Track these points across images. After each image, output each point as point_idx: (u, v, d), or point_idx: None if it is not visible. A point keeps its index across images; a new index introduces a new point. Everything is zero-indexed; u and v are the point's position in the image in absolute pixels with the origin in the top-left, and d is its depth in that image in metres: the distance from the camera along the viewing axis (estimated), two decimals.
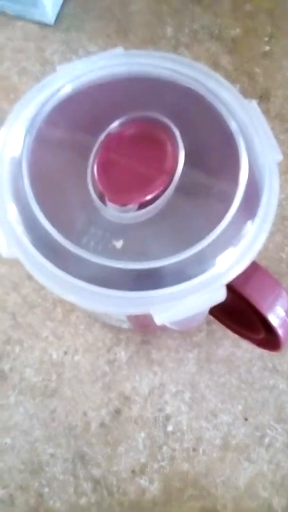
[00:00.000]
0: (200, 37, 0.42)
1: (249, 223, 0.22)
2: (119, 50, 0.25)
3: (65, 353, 0.33)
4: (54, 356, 0.33)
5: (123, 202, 0.22)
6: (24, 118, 0.23)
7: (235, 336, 0.33)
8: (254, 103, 0.24)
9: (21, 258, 0.21)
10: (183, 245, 0.21)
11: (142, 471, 0.31)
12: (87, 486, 0.31)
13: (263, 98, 0.39)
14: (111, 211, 0.22)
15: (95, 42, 0.42)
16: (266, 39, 0.42)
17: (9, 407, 0.32)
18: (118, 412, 0.32)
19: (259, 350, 0.34)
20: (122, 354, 0.33)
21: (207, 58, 0.42)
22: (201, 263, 0.21)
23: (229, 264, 0.22)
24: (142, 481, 0.31)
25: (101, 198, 0.22)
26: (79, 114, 0.24)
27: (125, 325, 0.30)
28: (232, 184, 0.22)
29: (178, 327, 0.24)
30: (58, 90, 0.24)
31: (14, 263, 0.34)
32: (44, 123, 0.23)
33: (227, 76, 0.38)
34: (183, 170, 0.22)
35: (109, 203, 0.22)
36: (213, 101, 0.22)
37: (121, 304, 0.21)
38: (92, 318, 0.34)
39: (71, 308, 0.34)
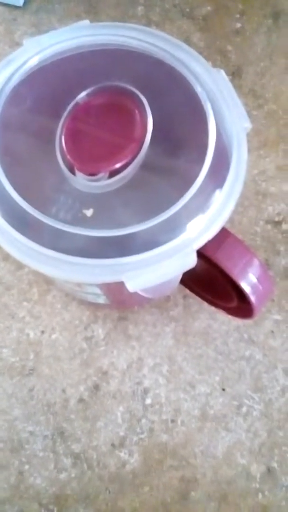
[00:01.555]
0: (172, 15, 0.42)
1: (217, 191, 0.22)
2: (85, 22, 0.25)
3: (42, 332, 0.33)
4: (31, 335, 0.33)
5: (92, 171, 0.22)
6: None
7: (211, 309, 0.33)
8: (222, 72, 0.24)
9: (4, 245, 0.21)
10: (153, 213, 0.21)
11: (122, 444, 0.32)
12: (67, 461, 0.31)
13: (236, 75, 0.39)
14: (80, 181, 0.22)
15: (65, 23, 0.41)
16: (238, 16, 0.42)
17: None
18: (96, 387, 0.32)
19: (235, 322, 0.34)
20: (99, 331, 0.34)
21: (179, 36, 0.42)
22: (171, 229, 0.22)
23: (199, 230, 0.22)
24: (121, 454, 0.31)
25: (70, 168, 0.22)
26: (47, 87, 0.24)
27: (101, 300, 0.30)
28: (201, 152, 0.22)
29: (151, 294, 0.24)
30: (25, 63, 0.24)
31: None
32: (11, 97, 0.22)
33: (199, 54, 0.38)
34: (151, 138, 0.22)
35: (78, 173, 0.22)
36: (181, 69, 0.23)
37: (93, 273, 0.21)
38: (69, 297, 0.34)
39: (47, 288, 0.34)
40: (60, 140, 0.22)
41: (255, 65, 0.40)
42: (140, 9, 0.42)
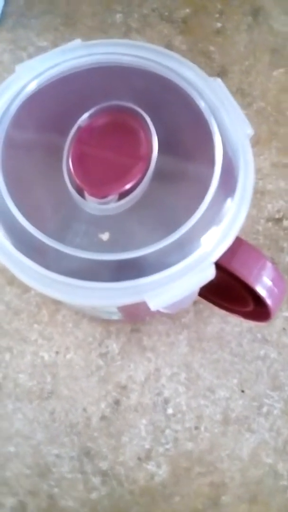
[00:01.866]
0: (151, 20, 0.42)
1: (228, 200, 0.22)
2: (77, 42, 0.25)
3: (57, 353, 0.33)
4: (46, 357, 0.33)
5: (102, 195, 0.22)
6: None
7: (222, 312, 0.33)
8: (219, 80, 0.24)
9: (6, 263, 0.21)
10: (168, 230, 0.22)
11: (148, 457, 0.32)
12: (96, 480, 0.31)
13: (221, 75, 0.40)
14: (92, 205, 0.22)
15: (44, 37, 0.41)
16: (217, 16, 0.42)
17: (8, 415, 0.32)
18: (117, 403, 0.33)
19: (247, 323, 0.35)
20: (114, 346, 0.34)
21: (160, 41, 0.42)
22: (187, 245, 0.22)
23: (215, 243, 0.22)
24: (149, 467, 0.32)
25: (80, 193, 0.22)
26: (47, 111, 0.23)
27: (115, 317, 0.30)
28: (208, 163, 0.22)
29: (170, 310, 0.25)
30: (22, 89, 0.23)
31: None
32: (11, 125, 0.22)
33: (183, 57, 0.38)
34: (158, 155, 0.22)
35: (88, 197, 0.22)
36: (179, 82, 0.23)
37: (115, 296, 0.21)
38: (80, 315, 0.34)
39: (56, 308, 0.34)
40: (68, 166, 0.22)
41: (239, 64, 0.41)
42: (118, 16, 0.42)
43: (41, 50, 0.41)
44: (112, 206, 0.21)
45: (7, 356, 0.33)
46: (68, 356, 0.33)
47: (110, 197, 0.22)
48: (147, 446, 0.32)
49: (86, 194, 0.22)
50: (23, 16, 0.41)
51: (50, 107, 0.23)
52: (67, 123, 0.23)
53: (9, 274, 0.36)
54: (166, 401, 0.33)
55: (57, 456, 0.32)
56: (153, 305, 0.21)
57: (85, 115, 0.22)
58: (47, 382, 0.33)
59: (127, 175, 0.22)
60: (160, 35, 0.42)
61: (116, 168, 0.22)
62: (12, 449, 0.32)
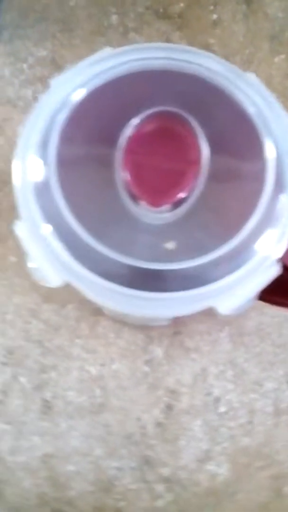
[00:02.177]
0: (147, 18, 0.41)
1: (282, 196, 0.23)
2: (107, 50, 0.25)
3: (102, 365, 0.33)
4: (92, 371, 0.33)
5: (161, 203, 0.22)
6: (35, 142, 0.22)
7: (259, 304, 0.33)
8: (253, 75, 0.24)
9: (76, 284, 0.21)
10: (228, 232, 0.22)
11: (208, 458, 0.32)
12: (159, 487, 0.31)
13: None
14: (153, 215, 0.22)
15: (43, 46, 0.40)
16: (211, 7, 0.42)
17: (62, 434, 0.32)
18: (169, 407, 0.33)
19: (284, 312, 0.35)
20: (158, 351, 0.34)
21: (159, 38, 0.42)
22: (251, 245, 0.22)
23: (275, 240, 0.22)
24: (210, 467, 0.32)
25: (139, 205, 0.22)
26: (92, 124, 0.23)
27: (165, 323, 0.30)
28: (258, 161, 0.22)
29: (235, 312, 0.25)
30: (63, 104, 0.23)
31: (27, 290, 0.34)
32: (61, 141, 0.22)
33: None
34: (209, 159, 0.22)
35: (148, 208, 0.22)
36: (219, 82, 0.23)
37: (185, 304, 0.21)
38: (119, 324, 0.34)
39: (95, 319, 0.34)
40: (123, 176, 0.21)
41: (240, 54, 0.41)
42: (114, 18, 0.42)
43: (41, 60, 0.40)
44: (172, 213, 0.21)
45: (53, 374, 0.33)
46: (114, 367, 0.33)
47: (167, 205, 0.22)
48: (204, 447, 0.32)
49: (142, 204, 0.22)
50: (18, 27, 0.41)
51: (95, 120, 0.23)
52: (114, 132, 0.22)
53: (44, 291, 0.36)
54: (217, 400, 0.33)
55: (118, 468, 0.32)
56: (223, 310, 0.21)
57: (133, 123, 0.22)
58: (97, 396, 0.33)
59: (181, 181, 0.22)
60: (158, 32, 0.41)
61: (169, 175, 0.22)
62: (72, 467, 0.31)
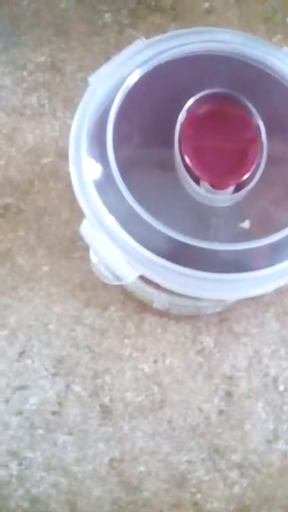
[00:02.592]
0: (140, 13, 0.42)
1: None
2: (140, 41, 0.25)
3: (155, 362, 0.34)
4: (146, 369, 0.34)
5: (227, 184, 0.22)
6: (87, 142, 0.22)
7: None
8: (286, 49, 0.24)
9: (154, 276, 0.21)
10: None
11: (276, 437, 0.33)
12: (233, 474, 0.32)
13: None
14: (221, 196, 0.22)
15: (40, 52, 0.41)
16: None
17: (127, 436, 0.32)
18: (229, 394, 0.33)
19: None
20: (207, 340, 0.34)
21: (155, 32, 0.42)
22: None
23: None
24: (279, 446, 0.33)
25: (204, 188, 0.22)
26: (144, 115, 0.24)
27: (218, 308, 0.31)
28: None
29: None
30: (110, 100, 0.23)
31: (66, 298, 0.34)
32: (115, 136, 0.22)
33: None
34: (267, 135, 0.22)
35: (215, 191, 0.22)
36: (265, 60, 0.23)
37: (270, 280, 0.21)
38: (165, 319, 0.35)
39: (140, 317, 0.35)
40: (186, 163, 0.22)
41: (241, 31, 0.41)
42: (107, 16, 0.42)
43: (40, 65, 0.41)
44: (238, 194, 0.22)
45: (108, 378, 0.33)
46: (167, 362, 0.34)
47: (232, 185, 0.22)
48: (271, 427, 0.33)
49: (207, 187, 0.22)
50: (12, 34, 0.41)
51: (147, 108, 0.23)
52: (168, 119, 0.23)
53: (84, 296, 0.36)
54: (275, 380, 0.34)
55: (189, 462, 0.32)
56: None
57: (186, 108, 0.22)
58: (155, 393, 0.33)
59: (245, 161, 0.22)
60: (154, 26, 0.42)
61: (231, 156, 0.22)
62: (142, 468, 0.32)
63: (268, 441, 0.34)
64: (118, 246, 0.22)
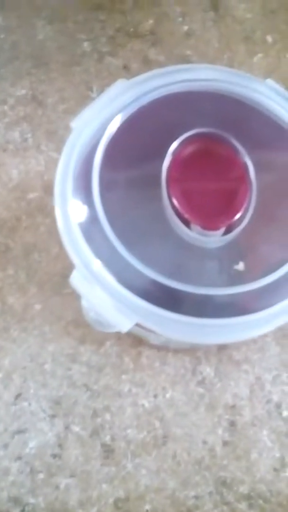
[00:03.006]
0: (120, 40, 0.42)
1: None
2: (121, 82, 0.25)
3: (155, 396, 0.33)
4: (146, 404, 0.33)
5: (219, 226, 0.22)
6: (72, 186, 0.22)
7: None
8: (271, 81, 0.24)
9: (149, 324, 0.21)
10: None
11: (283, 464, 0.33)
12: (242, 506, 0.32)
13: None
14: (212, 238, 0.22)
15: (20, 85, 0.41)
16: (180, 19, 0.43)
17: (131, 475, 0.32)
18: (232, 424, 0.33)
19: None
20: (207, 370, 0.34)
21: (136, 58, 0.43)
22: None
23: None
24: (287, 474, 0.32)
25: (194, 231, 0.22)
26: (129, 158, 0.24)
27: None
28: None
29: None
30: (94, 144, 0.23)
31: (60, 336, 0.33)
32: (101, 178, 0.22)
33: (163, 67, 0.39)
34: (256, 172, 0.22)
35: (207, 233, 0.22)
36: (245, 95, 0.23)
37: (266, 323, 0.21)
38: (162, 352, 0.34)
39: (137, 351, 0.35)
40: (174, 205, 0.21)
41: (220, 60, 0.42)
42: (86, 44, 0.42)
43: (21, 98, 0.41)
44: (233, 233, 0.21)
45: (107, 416, 0.33)
46: (167, 396, 0.33)
47: (223, 227, 0.22)
48: (277, 455, 0.33)
49: (197, 229, 0.22)
50: None
51: (131, 152, 0.23)
52: (153, 161, 0.22)
53: (79, 333, 0.35)
54: (278, 406, 0.33)
55: (196, 497, 0.32)
56: None
57: (171, 150, 0.22)
58: (157, 428, 0.33)
59: (234, 200, 0.22)
60: (134, 53, 0.42)
61: (220, 196, 0.22)
62: (148, 507, 0.31)
63: (275, 469, 0.33)
64: (109, 294, 0.22)
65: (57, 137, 0.40)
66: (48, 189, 0.39)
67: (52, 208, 0.29)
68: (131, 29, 0.43)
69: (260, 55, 0.43)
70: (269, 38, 0.44)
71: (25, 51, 0.43)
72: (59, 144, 0.33)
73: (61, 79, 0.42)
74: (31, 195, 0.38)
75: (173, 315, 0.21)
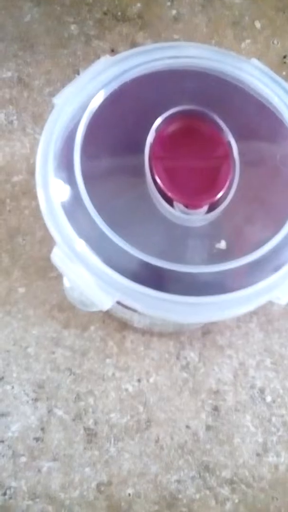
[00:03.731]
0: (107, 23, 0.42)
1: None
2: (105, 59, 0.24)
3: (139, 380, 0.33)
4: (130, 389, 0.33)
5: (201, 204, 0.22)
6: (54, 164, 0.22)
7: None
8: (256, 61, 0.24)
9: (130, 302, 0.20)
10: (278, 219, 0.22)
11: (265, 450, 0.32)
12: (224, 491, 0.32)
13: None
14: (195, 217, 0.22)
15: (7, 67, 0.40)
16: (169, 3, 0.43)
17: (114, 459, 0.32)
18: (215, 409, 0.33)
19: None
20: (191, 355, 0.34)
21: (124, 42, 0.42)
22: None
23: None
24: (270, 459, 0.32)
25: (177, 209, 0.22)
26: (112, 135, 0.23)
27: (198, 325, 0.30)
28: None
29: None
30: (76, 120, 0.22)
31: (43, 319, 0.33)
32: (83, 157, 0.22)
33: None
34: (239, 151, 0.22)
35: (190, 211, 0.22)
36: (240, 78, 0.23)
37: (249, 301, 0.21)
38: (147, 336, 0.34)
39: (122, 336, 0.34)
40: (158, 185, 0.21)
41: (208, 44, 0.41)
42: (73, 27, 0.41)
43: (7, 81, 0.40)
44: (213, 212, 0.21)
45: (91, 400, 0.33)
46: (151, 380, 0.33)
47: (206, 205, 0.21)
48: (260, 440, 0.32)
49: (180, 208, 0.21)
50: None
51: (114, 128, 0.23)
52: (136, 139, 0.22)
53: (63, 317, 0.35)
54: (262, 391, 0.33)
55: (178, 481, 0.32)
56: (284, 300, 0.21)
57: (154, 127, 0.22)
58: (140, 413, 0.32)
59: (217, 178, 0.21)
60: (122, 36, 0.42)
61: (203, 174, 0.22)
62: (131, 490, 0.31)
63: (258, 454, 0.33)
64: (91, 272, 0.21)
65: (42, 120, 0.39)
66: (33, 172, 0.39)
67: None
68: (119, 13, 0.43)
69: (248, 40, 0.43)
70: (258, 24, 0.44)
71: (11, 33, 0.42)
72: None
73: (48, 61, 0.41)
74: (15, 178, 0.38)
75: (155, 292, 0.21)
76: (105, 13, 0.43)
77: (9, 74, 0.41)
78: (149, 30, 0.43)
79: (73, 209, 0.22)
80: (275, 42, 0.44)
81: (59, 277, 0.37)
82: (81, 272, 0.21)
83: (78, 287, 0.22)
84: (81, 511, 0.32)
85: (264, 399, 0.34)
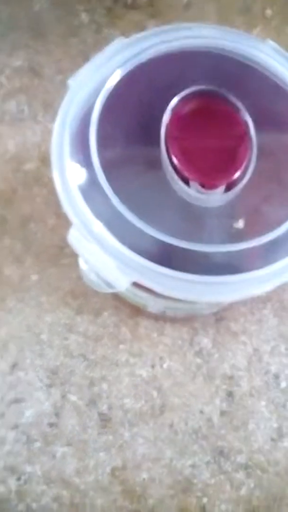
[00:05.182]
0: (117, 11, 0.42)
1: None
2: (119, 40, 0.24)
3: (153, 366, 0.33)
4: (144, 374, 0.33)
5: (218, 184, 0.22)
6: (70, 147, 0.22)
7: None
8: (272, 42, 0.24)
9: (147, 282, 0.20)
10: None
11: (280, 435, 0.33)
12: (240, 475, 0.32)
13: None
14: (212, 196, 0.22)
15: (17, 56, 0.40)
16: None
17: (128, 444, 0.32)
18: (230, 394, 0.33)
19: None
20: (205, 341, 0.34)
21: (134, 30, 0.41)
22: None
23: None
24: (285, 444, 0.33)
25: (193, 189, 0.22)
26: (128, 116, 0.23)
27: (215, 309, 0.30)
28: None
29: None
30: (91, 102, 0.22)
31: (57, 306, 0.33)
32: (99, 139, 0.21)
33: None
34: (256, 132, 0.22)
35: (207, 191, 0.21)
36: (256, 59, 0.23)
37: (268, 280, 0.21)
38: (160, 322, 0.34)
39: (135, 322, 0.34)
40: (174, 165, 0.21)
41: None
42: (83, 16, 0.42)
43: (18, 69, 0.40)
44: (230, 192, 0.21)
45: (105, 385, 0.33)
46: (165, 366, 0.33)
47: (222, 185, 0.21)
48: (275, 425, 0.33)
49: (197, 188, 0.21)
50: None
51: (129, 110, 0.23)
52: (153, 119, 0.22)
53: (76, 304, 0.35)
54: (276, 376, 0.33)
55: (193, 466, 0.32)
56: None
57: (170, 107, 0.21)
58: (154, 398, 0.33)
59: (235, 158, 0.21)
60: (132, 24, 0.42)
61: (220, 154, 0.22)
62: (145, 475, 0.31)
63: (273, 440, 0.33)
64: (108, 253, 0.21)
65: (53, 109, 0.39)
66: (44, 160, 0.39)
67: (49, 179, 0.28)
68: (129, 1, 0.43)
69: (259, 28, 0.43)
70: (269, 11, 0.43)
71: (22, 22, 0.42)
72: (55, 115, 0.33)
73: (58, 50, 0.41)
74: (27, 166, 0.38)
75: (171, 271, 0.21)
76: (115, 1, 0.43)
77: (20, 63, 0.41)
78: (159, 18, 0.43)
79: (90, 190, 0.22)
80: (286, 29, 0.43)
81: (71, 264, 0.37)
82: (98, 252, 0.21)
83: (94, 268, 0.22)
84: (96, 496, 0.32)
85: (279, 385, 0.34)
